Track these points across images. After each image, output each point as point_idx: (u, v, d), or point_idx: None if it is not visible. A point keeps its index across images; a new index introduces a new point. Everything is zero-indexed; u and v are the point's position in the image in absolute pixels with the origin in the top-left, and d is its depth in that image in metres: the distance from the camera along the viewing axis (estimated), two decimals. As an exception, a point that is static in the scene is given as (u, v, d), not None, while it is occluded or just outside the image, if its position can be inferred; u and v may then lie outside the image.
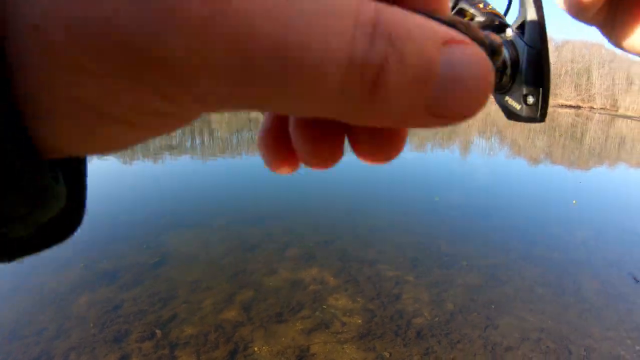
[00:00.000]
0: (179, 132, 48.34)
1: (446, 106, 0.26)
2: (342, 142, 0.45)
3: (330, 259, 13.19)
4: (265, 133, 0.48)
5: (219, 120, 55.08)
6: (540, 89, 0.85)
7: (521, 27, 0.78)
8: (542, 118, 0.91)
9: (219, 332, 9.67)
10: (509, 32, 0.80)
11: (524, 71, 0.83)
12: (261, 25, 0.22)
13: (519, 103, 0.89)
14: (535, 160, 30.31)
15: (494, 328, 9.55)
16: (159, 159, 32.31)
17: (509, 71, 0.87)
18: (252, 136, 42.13)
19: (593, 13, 0.65)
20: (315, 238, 14.86)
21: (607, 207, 19.39)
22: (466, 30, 0.33)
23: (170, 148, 37.41)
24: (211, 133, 46.05)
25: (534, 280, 11.73)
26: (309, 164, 0.47)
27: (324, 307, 10.47)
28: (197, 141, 41.52)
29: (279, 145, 0.46)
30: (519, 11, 0.77)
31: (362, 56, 0.24)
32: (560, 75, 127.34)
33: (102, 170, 29.19)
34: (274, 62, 0.23)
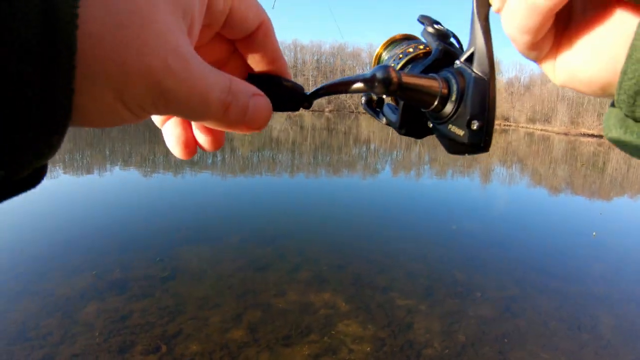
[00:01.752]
0: (200, 150, 48.80)
1: (252, 122, 0.60)
2: (223, 134, 0.77)
3: (342, 284, 13.07)
4: (174, 126, 0.74)
5: (241, 139, 55.60)
6: (485, 113, 0.84)
7: (471, 57, 0.81)
8: (485, 146, 0.90)
9: (224, 351, 9.56)
10: (457, 63, 0.84)
11: (470, 99, 0.82)
12: (178, 84, 0.48)
13: (463, 129, 0.88)
14: (556, 190, 29.85)
15: (505, 364, 9.56)
16: (179, 173, 32.66)
17: (454, 98, 0.86)
18: (272, 155, 42.40)
19: (542, 52, 0.72)
20: (328, 261, 14.74)
21: (627, 240, 18.78)
22: (275, 84, 0.76)
23: (192, 163, 37.80)
24: (233, 151, 46.55)
25: (548, 315, 11.42)
26: (203, 148, 0.80)
27: (333, 332, 10.34)
28: (218, 158, 42.04)
29: (186, 133, 0.75)
30: (469, 42, 0.81)
31: (224, 100, 0.56)
32: (582, 104, 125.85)
33: (121, 181, 29.68)
34: (186, 104, 0.51)
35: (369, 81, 0.83)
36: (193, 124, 0.75)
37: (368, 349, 9.55)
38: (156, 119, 0.76)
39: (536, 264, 14.97)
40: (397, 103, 1.18)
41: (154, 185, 28.99)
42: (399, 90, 0.85)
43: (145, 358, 9.26)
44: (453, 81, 0.84)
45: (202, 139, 0.76)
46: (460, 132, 0.88)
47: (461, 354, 9.46)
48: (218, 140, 0.78)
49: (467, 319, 10.82)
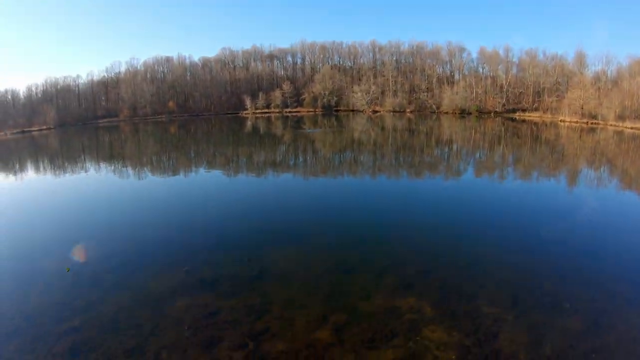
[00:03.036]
0: (283, 149, 49.72)
1: None
2: None
3: (428, 289, 12.74)
4: None
5: (323, 140, 56.11)
6: None
7: None
8: None
9: (310, 351, 9.56)
10: None
11: None
12: None
13: None
14: (649, 194, 27.43)
15: (592, 381, 8.80)
16: (262, 175, 33.40)
17: None
18: (354, 157, 42.32)
19: None
20: (414, 265, 14.39)
21: None
22: None
23: (274, 165, 38.59)
24: (315, 152, 47.08)
25: None
26: None
27: (418, 338, 10.08)
28: (301, 159, 42.81)
29: None
30: None
31: None
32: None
33: (207, 182, 30.73)
34: None
35: None
36: None
37: (453, 356, 9.19)
38: None
39: (629, 276, 13.75)
40: None
41: (238, 187, 30.00)
42: None
43: (232, 354, 9.43)
44: None
45: None
46: None
47: None
48: None
49: (554, 331, 10.19)
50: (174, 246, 16.68)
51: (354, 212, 21.34)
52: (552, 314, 11.03)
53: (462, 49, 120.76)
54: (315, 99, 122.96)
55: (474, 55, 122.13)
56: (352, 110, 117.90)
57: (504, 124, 77.61)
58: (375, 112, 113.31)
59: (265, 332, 10.29)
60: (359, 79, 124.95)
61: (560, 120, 78.14)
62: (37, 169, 40.91)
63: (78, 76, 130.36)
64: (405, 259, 14.82)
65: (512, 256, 14.98)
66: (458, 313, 11.06)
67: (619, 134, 56.52)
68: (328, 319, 10.82)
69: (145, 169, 38.93)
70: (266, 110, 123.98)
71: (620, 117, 67.58)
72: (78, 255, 15.65)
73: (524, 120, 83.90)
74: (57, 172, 38.60)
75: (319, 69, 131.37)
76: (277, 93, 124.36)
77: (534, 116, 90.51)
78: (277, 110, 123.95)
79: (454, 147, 49.56)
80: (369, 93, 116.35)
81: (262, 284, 13.11)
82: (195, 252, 15.95)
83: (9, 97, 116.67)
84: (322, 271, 13.97)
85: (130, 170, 37.77)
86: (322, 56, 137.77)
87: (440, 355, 9.27)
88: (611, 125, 66.84)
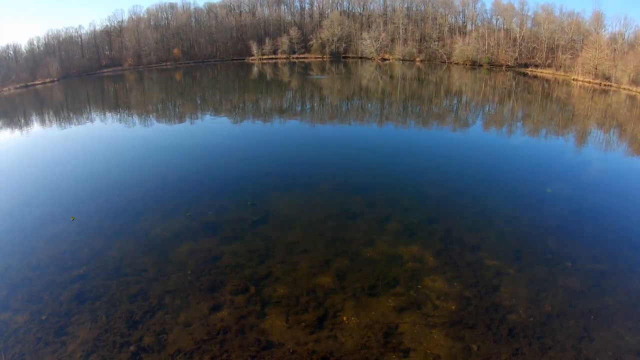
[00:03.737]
0: (289, 95, 49.12)
1: None
2: None
3: (431, 238, 12.68)
4: None
5: (330, 87, 55.27)
6: None
7: None
8: None
9: (311, 296, 9.60)
10: None
11: None
12: None
13: None
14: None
15: (589, 341, 8.67)
16: (268, 121, 33.08)
17: None
18: (362, 104, 41.74)
19: None
20: (418, 214, 14.35)
21: None
22: None
23: (281, 111, 38.16)
24: (322, 99, 46.47)
25: None
26: None
27: (419, 286, 10.10)
28: (307, 106, 42.29)
29: None
30: None
31: None
32: None
33: (212, 128, 30.52)
34: None
35: None
36: None
37: (453, 307, 9.19)
38: None
39: (632, 240, 13.59)
40: None
41: (244, 132, 29.85)
42: None
43: (234, 298, 9.47)
44: None
45: None
46: None
47: (545, 324, 8.87)
48: None
49: (555, 289, 10.09)
50: (177, 192, 16.63)
51: (359, 160, 21.20)
52: (554, 271, 10.95)
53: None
54: (323, 45, 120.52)
55: (488, 6, 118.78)
56: (361, 58, 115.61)
57: (515, 79, 76.04)
58: (384, 59, 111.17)
59: (267, 276, 10.33)
60: (369, 26, 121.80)
61: (573, 79, 76.04)
62: (42, 121, 40.63)
63: (80, 27, 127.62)
64: (409, 207, 14.74)
65: (516, 211, 14.81)
66: (460, 264, 11.01)
67: (632, 98, 55.01)
68: (330, 264, 10.84)
69: (150, 116, 38.63)
70: (273, 57, 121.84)
71: (634, 82, 65.66)
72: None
73: (535, 76, 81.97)
74: (63, 124, 38.34)
75: (328, 14, 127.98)
76: (284, 39, 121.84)
77: (546, 73, 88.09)
78: (284, 56, 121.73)
79: (463, 98, 48.72)
80: (378, 40, 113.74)
81: (265, 228, 13.12)
82: (199, 197, 15.96)
83: (11, 52, 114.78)
84: (325, 217, 13.96)
85: (135, 119, 37.53)
86: (330, 1, 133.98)
87: (440, 305, 9.28)
88: (624, 88, 65.05)
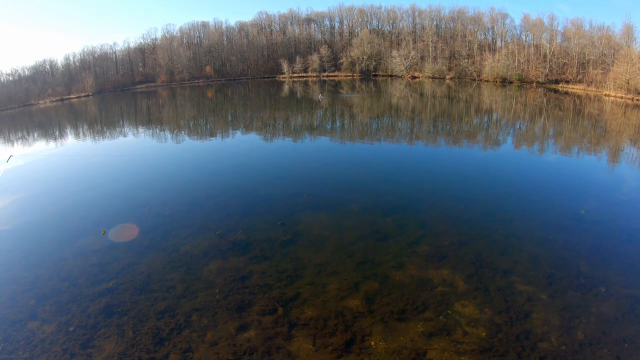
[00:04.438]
0: (320, 113, 49.34)
1: None
2: None
3: (462, 262, 12.41)
4: None
5: (360, 105, 55.33)
6: None
7: None
8: None
9: (339, 319, 9.45)
10: None
11: None
12: None
13: None
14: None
15: (621, 371, 8.27)
16: (299, 139, 33.22)
17: None
18: (392, 123, 41.63)
19: None
20: (449, 236, 14.05)
21: None
22: None
23: (311, 129, 38.31)
24: (352, 117, 46.53)
25: (679, 326, 9.89)
26: None
27: (449, 312, 9.89)
28: (338, 124, 42.27)
29: None
30: None
31: None
32: None
33: (243, 145, 30.80)
34: None
35: None
36: None
37: (483, 333, 8.92)
38: None
39: None
40: None
41: (275, 150, 30.04)
42: None
43: (261, 318, 9.40)
44: None
45: None
46: None
47: (578, 352, 8.54)
48: None
49: (588, 315, 9.69)
50: (207, 209, 16.82)
51: (390, 179, 20.99)
52: (587, 297, 10.56)
53: (504, 16, 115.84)
54: (353, 63, 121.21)
55: (517, 22, 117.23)
56: (391, 76, 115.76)
57: (545, 95, 74.74)
58: (414, 77, 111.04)
59: (296, 297, 10.26)
60: (398, 44, 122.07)
61: (605, 95, 74.18)
62: (76, 135, 41.72)
63: (115, 43, 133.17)
64: (440, 229, 14.46)
65: (549, 232, 14.38)
66: (491, 288, 10.72)
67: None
68: (359, 287, 10.69)
69: (182, 132, 39.36)
70: (303, 74, 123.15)
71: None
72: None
73: (566, 92, 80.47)
74: (96, 137, 39.31)
75: (357, 32, 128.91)
76: (315, 57, 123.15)
77: (577, 88, 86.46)
78: (315, 74, 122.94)
79: (494, 116, 48.08)
80: (407, 58, 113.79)
81: (294, 248, 13.07)
82: (229, 216, 16.07)
83: (47, 66, 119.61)
84: (355, 238, 13.81)
85: (167, 134, 38.28)
86: (360, 20, 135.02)
87: (470, 331, 9.03)
88: (658, 103, 63.40)
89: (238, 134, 37.41)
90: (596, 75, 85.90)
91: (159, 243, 13.71)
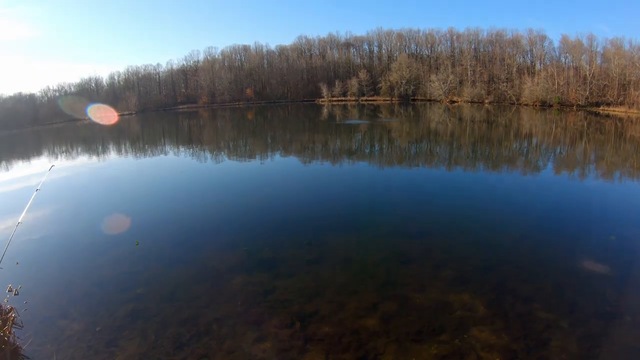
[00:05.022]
0: (359, 137, 49.71)
1: None
2: None
3: (484, 287, 12.25)
4: None
5: (399, 130, 55.50)
6: None
7: None
8: None
9: (354, 337, 9.55)
10: None
11: None
12: None
13: None
14: None
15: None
16: (337, 162, 33.62)
17: None
18: (430, 148, 41.62)
19: None
20: (474, 261, 13.93)
21: None
22: None
23: (350, 152, 38.67)
24: (391, 141, 46.82)
25: None
26: None
27: (465, 336, 9.77)
28: (376, 148, 42.68)
29: None
30: None
31: None
32: None
33: (281, 167, 31.38)
34: None
35: None
36: None
37: (497, 359, 8.94)
38: None
39: None
40: None
41: (312, 172, 30.60)
42: None
43: (279, 331, 9.65)
44: None
45: None
46: None
47: None
48: None
49: (610, 345, 9.39)
50: (239, 227, 17.47)
51: (420, 202, 21.08)
52: (610, 325, 10.24)
53: (543, 37, 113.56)
54: (391, 87, 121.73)
55: (556, 44, 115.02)
56: (429, 100, 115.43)
57: (586, 119, 72.71)
58: (452, 102, 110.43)
59: (314, 314, 10.44)
60: (437, 68, 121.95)
61: (647, 116, 72.40)
62: (118, 151, 43.35)
63: (158, 65, 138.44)
64: (465, 254, 14.35)
65: (576, 260, 14.06)
66: (510, 314, 10.57)
67: None
68: (378, 307, 10.78)
69: (221, 153, 40.47)
70: (342, 98, 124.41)
71: None
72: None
73: (608, 115, 78.15)
74: (137, 154, 40.77)
75: (396, 57, 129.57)
76: (354, 81, 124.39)
77: (618, 111, 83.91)
78: (353, 98, 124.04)
79: (533, 141, 47.37)
80: (446, 82, 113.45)
81: (318, 268, 13.27)
82: (259, 234, 16.54)
83: (93, 84, 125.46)
84: (379, 260, 13.92)
85: (207, 154, 39.43)
86: (398, 44, 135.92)
87: (485, 357, 8.92)
88: None
89: (277, 155, 38.20)
90: (637, 96, 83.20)
91: (188, 256, 14.36)
